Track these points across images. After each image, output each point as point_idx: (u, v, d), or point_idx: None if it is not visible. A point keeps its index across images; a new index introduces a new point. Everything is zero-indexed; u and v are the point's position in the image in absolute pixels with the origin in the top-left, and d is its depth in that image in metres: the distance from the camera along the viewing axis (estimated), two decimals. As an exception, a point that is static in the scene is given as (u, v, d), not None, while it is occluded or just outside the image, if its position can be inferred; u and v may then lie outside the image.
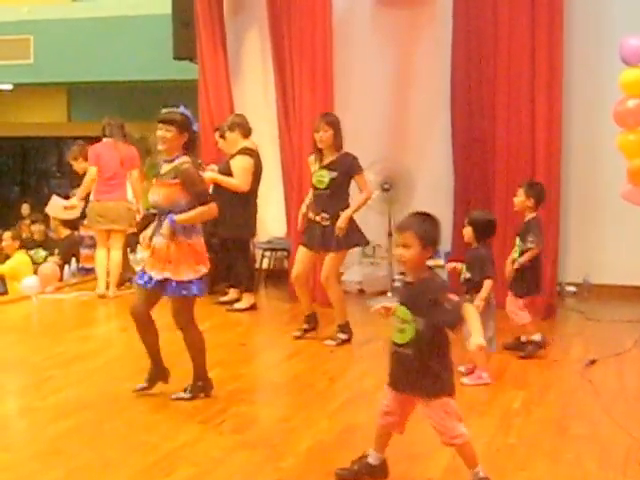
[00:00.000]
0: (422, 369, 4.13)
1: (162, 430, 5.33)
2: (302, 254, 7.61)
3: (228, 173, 8.83)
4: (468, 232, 6.43)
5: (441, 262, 10.33)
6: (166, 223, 5.63)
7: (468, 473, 4.26)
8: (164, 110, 5.88)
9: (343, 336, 7.54)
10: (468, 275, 6.29)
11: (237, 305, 9.12)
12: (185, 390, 5.92)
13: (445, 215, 10.19)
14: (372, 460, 4.45)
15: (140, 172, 13.58)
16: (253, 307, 9.12)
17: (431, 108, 10.14)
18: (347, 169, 7.44)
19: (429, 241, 4.12)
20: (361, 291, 9.82)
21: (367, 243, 7.87)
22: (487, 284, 6.23)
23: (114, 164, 10.11)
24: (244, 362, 7.17)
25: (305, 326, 7.74)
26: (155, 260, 5.72)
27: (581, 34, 9.30)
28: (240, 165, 8.89)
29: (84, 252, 11.31)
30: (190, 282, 5.73)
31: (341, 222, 7.29)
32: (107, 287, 9.90)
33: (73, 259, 11.59)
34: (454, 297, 4.10)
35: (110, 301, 9.68)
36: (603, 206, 9.16)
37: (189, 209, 5.68)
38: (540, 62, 9.09)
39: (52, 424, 5.43)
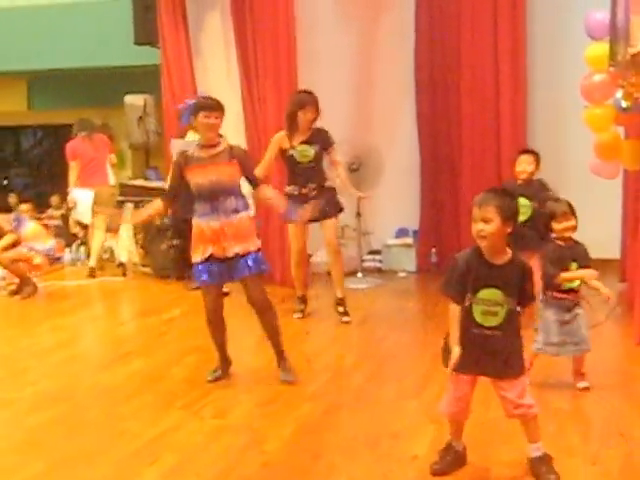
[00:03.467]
0: (511, 349, 4.16)
1: (142, 418, 5.30)
2: (295, 230, 7.71)
3: None
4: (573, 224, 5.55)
5: (409, 241, 10.41)
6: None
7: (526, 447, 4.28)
8: (204, 98, 5.92)
9: (347, 309, 7.82)
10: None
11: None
12: (286, 376, 5.92)
13: (413, 195, 10.25)
14: (458, 447, 4.45)
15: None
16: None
17: (396, 89, 10.16)
18: (323, 143, 7.59)
19: (509, 215, 4.05)
20: (329, 273, 9.81)
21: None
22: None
23: (89, 153, 10.74)
24: (220, 347, 7.13)
25: (302, 306, 7.88)
26: (229, 238, 5.71)
27: (545, 12, 9.31)
28: None
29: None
30: (261, 254, 5.86)
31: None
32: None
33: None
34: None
35: (81, 289, 9.68)
36: (569, 180, 9.21)
37: (238, 189, 5.83)
38: (503, 39, 9.13)
39: (30, 416, 5.38)
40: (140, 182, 10.73)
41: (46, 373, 6.40)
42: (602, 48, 6.83)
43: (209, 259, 5.73)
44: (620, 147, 7.21)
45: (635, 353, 6.38)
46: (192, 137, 9.00)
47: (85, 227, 11.36)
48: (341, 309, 7.79)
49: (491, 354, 4.16)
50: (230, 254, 5.70)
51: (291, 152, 7.54)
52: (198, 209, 5.78)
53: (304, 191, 7.56)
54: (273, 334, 6.01)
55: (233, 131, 9.42)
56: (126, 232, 10.43)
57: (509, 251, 4.13)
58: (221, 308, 5.99)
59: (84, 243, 11.77)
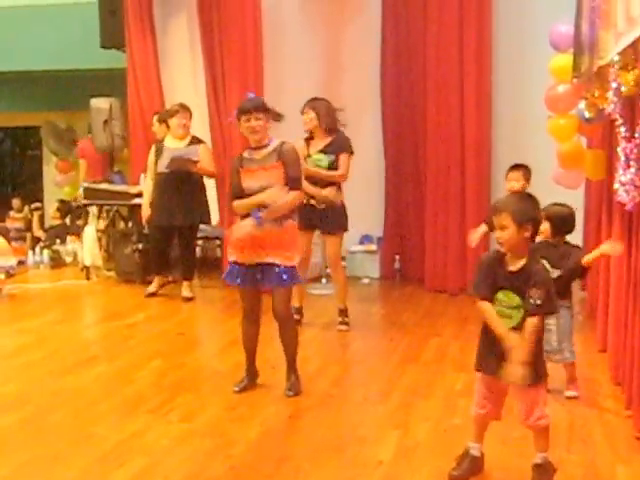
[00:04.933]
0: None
1: (109, 421, 5.30)
2: (300, 240, 7.54)
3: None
4: (544, 228, 5.51)
5: (373, 247, 10.45)
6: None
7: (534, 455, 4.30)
8: (244, 102, 5.80)
9: (348, 320, 7.84)
10: (557, 273, 5.56)
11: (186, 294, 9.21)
12: (289, 389, 5.83)
13: (377, 202, 10.31)
14: (475, 452, 4.45)
15: (66, 162, 13.51)
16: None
17: (362, 96, 10.20)
18: (338, 148, 7.58)
19: (525, 220, 4.08)
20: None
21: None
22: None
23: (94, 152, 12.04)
24: (185, 352, 7.14)
25: (297, 317, 7.66)
26: (268, 246, 5.67)
27: (510, 22, 9.39)
28: (209, 152, 9.28)
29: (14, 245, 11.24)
30: (295, 269, 5.78)
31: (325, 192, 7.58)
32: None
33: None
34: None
35: (45, 292, 9.73)
36: (532, 189, 9.24)
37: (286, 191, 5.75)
38: (468, 48, 9.19)
39: (-5, 419, 5.35)
40: (105, 186, 10.68)
41: (9, 376, 6.36)
42: (566, 60, 6.93)
43: (243, 262, 5.71)
44: (583, 157, 7.30)
45: (597, 360, 6.46)
46: (170, 142, 9.01)
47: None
48: (340, 319, 7.83)
49: (504, 357, 4.13)
50: (266, 260, 5.65)
51: (307, 160, 7.50)
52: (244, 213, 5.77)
53: (312, 202, 7.56)
54: (289, 347, 5.95)
55: (199, 132, 9.46)
56: (90, 235, 10.38)
57: (527, 257, 4.16)
58: (259, 310, 5.91)
59: (46, 247, 11.73)
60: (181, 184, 8.91)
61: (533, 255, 4.22)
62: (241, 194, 5.78)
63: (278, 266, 5.64)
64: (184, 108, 9.11)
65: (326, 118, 7.58)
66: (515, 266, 4.15)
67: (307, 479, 4.36)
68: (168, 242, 9.31)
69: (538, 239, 5.44)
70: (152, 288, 9.32)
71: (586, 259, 5.48)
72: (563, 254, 5.55)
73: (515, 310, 4.13)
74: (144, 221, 9.27)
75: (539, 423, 4.23)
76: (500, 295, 4.18)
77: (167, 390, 5.92)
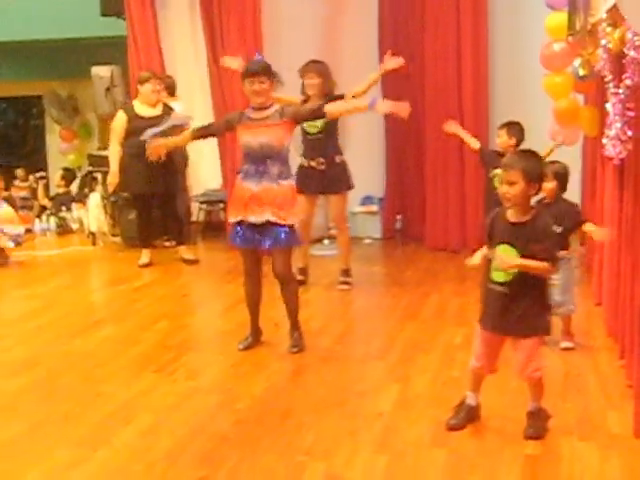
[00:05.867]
0: (519, 308, 4.25)
1: (116, 381, 5.44)
2: (302, 202, 7.45)
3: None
4: (550, 186, 5.67)
5: (374, 208, 10.56)
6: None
7: (527, 404, 4.47)
8: (249, 64, 5.97)
9: (350, 279, 7.95)
10: (559, 230, 5.50)
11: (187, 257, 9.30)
12: (293, 346, 5.97)
13: (378, 163, 10.40)
14: (471, 401, 4.58)
15: (69, 130, 13.58)
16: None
17: (360, 54, 10.20)
18: None
19: (534, 178, 4.19)
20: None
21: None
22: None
23: None
24: (189, 313, 7.30)
25: (301, 277, 7.83)
26: (265, 204, 5.75)
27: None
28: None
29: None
30: (294, 229, 5.89)
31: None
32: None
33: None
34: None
35: (52, 259, 9.93)
36: (530, 146, 9.31)
37: (286, 154, 5.88)
38: (465, 9, 9.25)
39: (5, 382, 5.49)
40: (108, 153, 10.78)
41: (19, 340, 6.51)
42: (561, 18, 6.99)
43: (242, 222, 5.80)
44: (579, 114, 7.38)
45: (594, 313, 6.60)
46: (142, 109, 9.05)
47: None
48: (342, 278, 7.94)
49: (502, 311, 4.28)
50: (262, 219, 5.73)
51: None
52: (243, 169, 5.87)
53: (312, 164, 7.67)
54: (290, 305, 6.08)
55: (200, 98, 9.53)
56: (95, 202, 10.50)
57: (534, 212, 4.26)
58: (259, 271, 6.03)
59: (53, 214, 11.87)
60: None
61: (541, 211, 4.33)
62: (210, 133, 6.17)
63: (276, 225, 5.74)
64: (155, 75, 9.21)
65: (329, 83, 7.67)
66: (518, 219, 4.24)
67: (310, 432, 4.50)
68: (151, 210, 9.28)
69: (537, 198, 5.60)
70: (145, 259, 9.20)
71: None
72: (564, 211, 5.65)
73: None
74: (110, 189, 9.21)
75: (534, 375, 4.37)
76: (498, 250, 4.27)
77: (172, 350, 6.06)
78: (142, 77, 9.15)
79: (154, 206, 9.27)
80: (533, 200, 4.41)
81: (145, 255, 9.22)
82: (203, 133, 6.15)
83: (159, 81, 9.22)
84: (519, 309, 4.25)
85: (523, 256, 4.17)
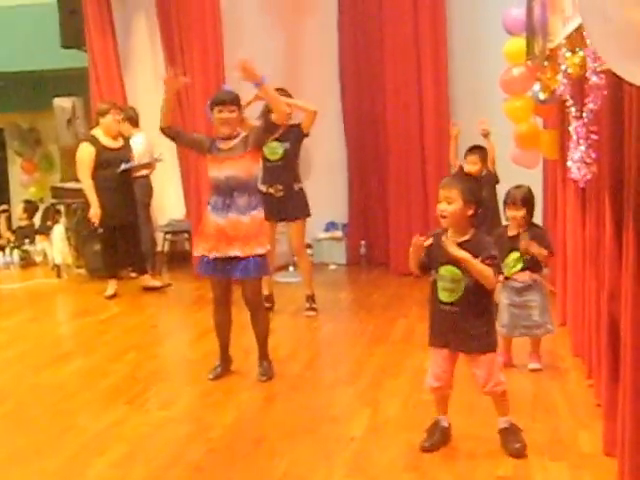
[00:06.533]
0: (470, 326, 4.33)
1: (87, 414, 5.41)
2: None
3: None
4: (521, 215, 5.76)
5: (339, 234, 10.62)
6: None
7: (496, 420, 4.54)
8: (219, 93, 6.01)
9: (315, 305, 8.01)
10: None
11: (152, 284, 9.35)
12: (262, 375, 5.97)
13: (341, 190, 10.47)
14: (444, 423, 4.63)
15: (30, 162, 13.54)
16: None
17: (321, 82, 10.33)
18: (297, 136, 7.77)
19: (471, 198, 4.28)
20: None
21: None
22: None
23: None
24: (158, 343, 7.30)
25: (266, 305, 7.69)
26: (233, 239, 5.76)
27: (463, 10, 9.59)
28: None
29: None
30: (264, 258, 5.89)
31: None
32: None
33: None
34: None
35: (16, 292, 9.86)
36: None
37: (254, 184, 5.96)
38: (425, 36, 9.39)
39: (-25, 415, 5.45)
40: (72, 185, 10.77)
41: (-13, 374, 6.47)
42: (519, 43, 7.11)
43: (209, 255, 5.81)
44: (539, 137, 7.49)
45: (559, 333, 6.65)
46: (106, 141, 9.08)
47: None
48: (307, 305, 8.01)
49: (453, 329, 4.37)
50: (231, 254, 5.75)
51: (263, 148, 7.61)
52: (211, 201, 5.87)
53: (270, 190, 7.72)
54: (259, 333, 6.09)
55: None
56: (59, 234, 10.47)
57: (473, 231, 4.35)
58: (229, 299, 6.01)
59: (16, 247, 11.81)
60: (124, 182, 9.14)
61: (479, 231, 4.42)
62: (180, 136, 6.14)
63: (246, 258, 5.77)
64: (115, 105, 9.25)
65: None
66: (462, 239, 4.31)
67: (283, 458, 4.51)
68: (116, 241, 9.30)
69: (512, 226, 5.73)
70: (111, 290, 9.18)
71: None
72: (539, 236, 5.76)
73: (457, 283, 4.32)
74: (96, 222, 8.99)
75: (496, 389, 4.45)
76: (442, 271, 4.37)
77: (143, 381, 6.06)
78: (102, 109, 9.16)
79: (118, 237, 9.26)
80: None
81: (111, 286, 9.19)
82: (179, 131, 6.16)
83: (119, 111, 9.24)
84: (471, 327, 4.34)
85: (466, 275, 4.26)
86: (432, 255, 4.41)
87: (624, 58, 2.45)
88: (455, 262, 4.28)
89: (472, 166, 7.24)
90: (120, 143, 9.15)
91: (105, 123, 9.05)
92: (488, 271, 4.23)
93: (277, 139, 7.62)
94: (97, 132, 9.12)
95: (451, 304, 4.36)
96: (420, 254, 4.43)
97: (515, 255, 5.78)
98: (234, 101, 5.81)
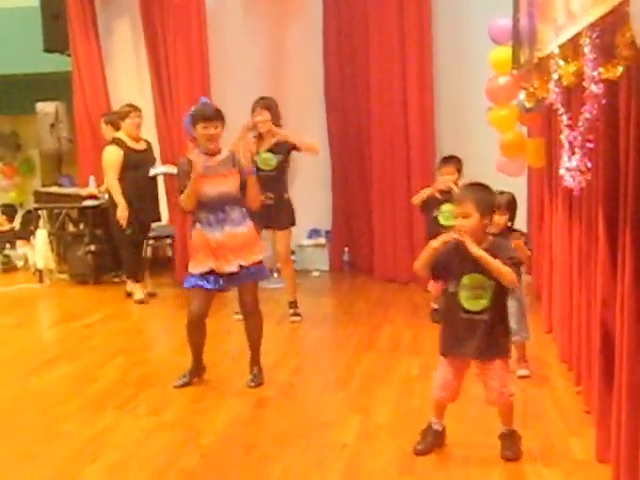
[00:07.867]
0: (496, 332, 4.34)
1: (78, 419, 5.39)
2: None
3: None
4: (503, 219, 5.76)
5: (322, 241, 10.64)
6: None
7: (498, 427, 4.54)
8: (202, 107, 5.85)
9: (299, 310, 8.07)
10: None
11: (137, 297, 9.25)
12: (252, 381, 5.97)
13: (324, 196, 10.49)
14: (437, 427, 4.64)
15: (11, 167, 13.49)
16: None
17: (306, 91, 10.37)
18: (288, 148, 7.81)
19: (487, 208, 4.28)
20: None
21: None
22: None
23: None
24: (146, 348, 7.28)
25: None
26: (234, 250, 5.79)
27: (449, 19, 9.63)
28: None
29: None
30: (261, 263, 5.94)
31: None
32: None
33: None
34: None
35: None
36: (476, 178, 9.47)
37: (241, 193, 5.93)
38: (410, 42, 9.40)
39: (-36, 422, 5.41)
40: (54, 189, 10.75)
41: (-26, 380, 6.42)
42: (505, 52, 7.16)
43: (208, 272, 5.79)
44: (524, 145, 7.54)
45: (545, 340, 6.72)
46: (130, 143, 9.10)
47: None
48: (291, 311, 8.05)
49: (476, 338, 4.33)
50: (234, 268, 5.77)
51: (255, 158, 7.56)
52: (202, 219, 5.81)
53: (261, 199, 7.72)
54: (253, 338, 6.09)
55: (145, 132, 9.54)
56: (42, 239, 10.43)
57: (490, 239, 4.36)
58: (206, 315, 5.95)
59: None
60: (151, 183, 9.39)
61: (496, 237, 4.47)
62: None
63: (247, 266, 5.82)
64: (135, 108, 9.19)
65: (277, 118, 7.77)
66: (481, 247, 4.29)
67: (276, 464, 4.52)
68: (142, 243, 9.58)
69: (494, 230, 5.71)
70: (140, 294, 9.16)
71: None
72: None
73: (484, 291, 4.30)
74: (124, 223, 8.92)
75: (510, 400, 4.47)
76: (465, 280, 4.33)
77: (132, 386, 6.04)
78: (122, 112, 9.21)
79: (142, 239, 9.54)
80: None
81: (140, 290, 9.20)
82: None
83: (139, 113, 9.23)
84: (497, 333, 4.35)
85: (492, 281, 4.26)
86: (453, 265, 4.37)
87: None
88: (481, 269, 4.27)
89: (448, 177, 7.22)
90: (144, 146, 9.26)
91: (128, 126, 9.11)
92: (507, 269, 4.22)
93: (270, 150, 7.70)
94: (121, 135, 9.13)
95: (479, 312, 4.33)
96: (436, 256, 4.39)
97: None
98: (219, 117, 5.78)
